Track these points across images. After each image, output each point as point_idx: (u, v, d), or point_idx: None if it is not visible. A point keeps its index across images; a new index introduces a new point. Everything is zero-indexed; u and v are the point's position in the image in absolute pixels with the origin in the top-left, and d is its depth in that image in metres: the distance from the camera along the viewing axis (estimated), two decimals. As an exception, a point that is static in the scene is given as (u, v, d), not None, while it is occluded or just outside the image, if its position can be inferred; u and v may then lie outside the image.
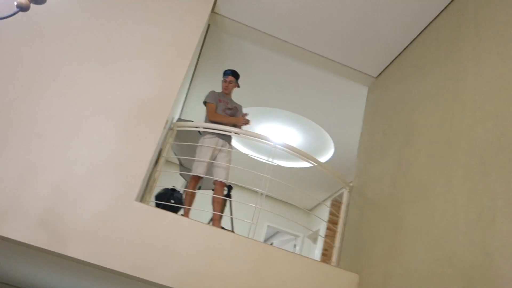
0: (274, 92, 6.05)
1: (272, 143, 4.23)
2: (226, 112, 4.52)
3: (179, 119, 5.22)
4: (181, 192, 5.10)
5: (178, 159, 5.21)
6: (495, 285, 2.25)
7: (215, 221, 4.17)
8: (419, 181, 3.33)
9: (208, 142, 4.29)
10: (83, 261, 3.18)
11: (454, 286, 2.53)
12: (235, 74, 4.69)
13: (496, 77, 2.89)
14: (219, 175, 4.28)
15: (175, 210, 4.68)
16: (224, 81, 4.66)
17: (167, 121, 3.91)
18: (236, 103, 4.70)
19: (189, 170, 5.00)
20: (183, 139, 4.61)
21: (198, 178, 4.28)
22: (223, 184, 4.31)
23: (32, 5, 1.83)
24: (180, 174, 5.04)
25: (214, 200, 4.28)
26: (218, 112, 4.46)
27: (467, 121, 3.01)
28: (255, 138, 4.41)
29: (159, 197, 4.75)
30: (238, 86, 4.76)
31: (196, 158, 4.26)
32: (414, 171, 3.46)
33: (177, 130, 4.35)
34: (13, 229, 3.12)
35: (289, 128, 6.76)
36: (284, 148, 4.29)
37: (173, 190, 4.99)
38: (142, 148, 3.67)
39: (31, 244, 3.11)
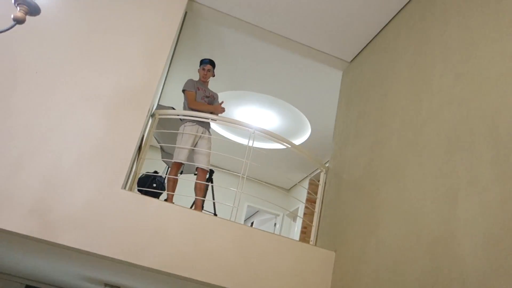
0: (252, 76, 6.17)
1: (251, 129, 4.37)
2: (204, 100, 4.64)
3: (159, 105, 5.31)
4: (163, 176, 5.23)
5: (160, 145, 5.33)
6: (457, 257, 2.47)
7: (198, 206, 4.32)
8: (391, 162, 3.54)
9: (189, 130, 4.41)
10: (73, 248, 3.31)
11: (422, 259, 2.75)
12: (212, 63, 4.81)
13: (461, 63, 3.07)
14: (201, 162, 4.42)
15: (156, 194, 4.82)
16: (203, 69, 4.77)
17: (149, 109, 4.02)
18: (212, 91, 4.83)
19: (171, 155, 5.14)
20: (164, 125, 4.72)
21: (180, 165, 4.42)
22: (205, 171, 4.45)
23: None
24: (163, 160, 5.16)
25: (196, 186, 4.42)
26: (197, 100, 4.58)
27: (434, 105, 3.20)
28: (235, 125, 4.54)
29: (140, 181, 4.87)
30: (214, 75, 4.87)
31: (177, 145, 4.39)
32: (387, 153, 3.66)
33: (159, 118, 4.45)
34: (5, 219, 3.22)
35: (267, 110, 6.91)
36: (263, 134, 4.44)
37: (155, 175, 5.11)
38: (127, 136, 3.78)
39: (22, 233, 3.22)
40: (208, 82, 4.83)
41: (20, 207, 3.28)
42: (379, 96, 4.16)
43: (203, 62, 4.80)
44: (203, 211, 4.51)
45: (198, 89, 4.64)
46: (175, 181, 4.38)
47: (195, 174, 5.15)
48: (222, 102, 4.71)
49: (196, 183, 4.42)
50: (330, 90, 5.73)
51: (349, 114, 4.75)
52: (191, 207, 4.86)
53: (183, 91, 4.65)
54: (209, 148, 4.51)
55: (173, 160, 4.39)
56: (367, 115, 4.28)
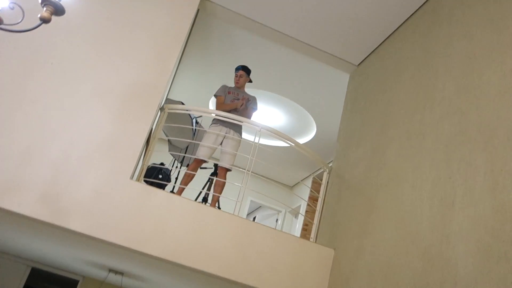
0: (260, 75, 6.25)
1: (258, 127, 4.48)
2: (234, 101, 4.81)
3: (167, 99, 5.44)
4: (170, 168, 5.37)
5: (168, 138, 5.46)
6: (450, 262, 2.58)
7: (213, 201, 4.56)
8: (391, 167, 3.64)
9: (212, 129, 4.62)
10: (81, 233, 3.45)
11: (416, 262, 2.86)
12: (245, 69, 5.02)
13: (463, 76, 3.17)
14: (223, 160, 4.64)
15: (162, 185, 4.97)
16: (236, 75, 5.00)
17: (159, 104, 4.14)
18: (248, 95, 5.00)
19: (178, 148, 5.27)
20: (172, 119, 4.85)
21: (200, 161, 4.58)
22: (224, 169, 4.61)
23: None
24: (170, 153, 5.29)
25: (216, 183, 4.62)
26: (226, 102, 4.80)
27: (435, 115, 3.30)
28: (243, 122, 4.66)
29: (147, 172, 4.99)
30: (250, 81, 5.10)
31: (201, 143, 4.60)
32: (387, 158, 3.76)
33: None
34: (17, 203, 3.36)
35: (274, 108, 7.02)
36: (270, 132, 4.54)
37: (161, 167, 5.25)
38: (136, 130, 3.90)
39: (33, 217, 3.36)
40: (243, 87, 5.03)
41: (32, 193, 3.42)
42: (382, 102, 4.26)
43: (236, 69, 5.04)
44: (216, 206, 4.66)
45: (229, 93, 4.87)
46: (190, 176, 4.53)
47: (200, 168, 5.30)
48: (243, 98, 4.84)
49: (215, 180, 4.63)
50: (337, 91, 5.83)
51: (353, 117, 4.85)
52: (195, 200, 5.00)
53: (215, 96, 4.90)
54: (233, 148, 4.66)
55: (195, 156, 4.61)
56: (370, 119, 4.38)
